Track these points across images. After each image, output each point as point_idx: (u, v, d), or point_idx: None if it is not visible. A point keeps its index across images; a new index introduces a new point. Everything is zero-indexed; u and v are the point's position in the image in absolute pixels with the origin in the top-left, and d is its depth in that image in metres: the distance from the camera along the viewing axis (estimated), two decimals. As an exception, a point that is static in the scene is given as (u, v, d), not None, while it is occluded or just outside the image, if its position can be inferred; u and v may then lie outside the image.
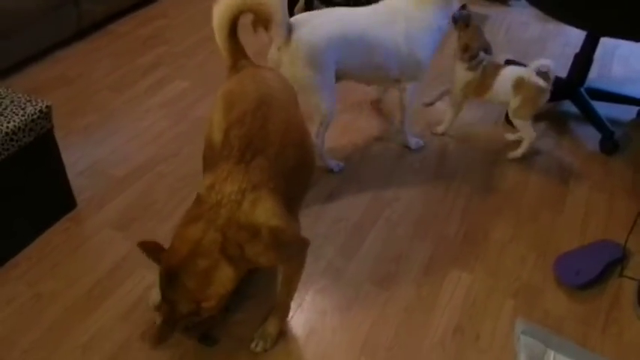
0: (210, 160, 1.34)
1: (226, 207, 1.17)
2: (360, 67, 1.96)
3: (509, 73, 2.10)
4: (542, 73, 2.05)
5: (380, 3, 1.99)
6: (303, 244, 1.39)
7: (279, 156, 1.26)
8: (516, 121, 2.16)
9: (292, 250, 1.36)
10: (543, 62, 2.04)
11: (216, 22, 1.54)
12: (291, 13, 2.87)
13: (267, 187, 1.21)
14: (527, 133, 2.16)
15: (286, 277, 1.46)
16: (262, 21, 1.63)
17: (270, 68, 1.55)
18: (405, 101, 2.12)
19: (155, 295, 1.48)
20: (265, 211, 1.20)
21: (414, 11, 1.94)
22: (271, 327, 1.51)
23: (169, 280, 1.20)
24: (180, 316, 1.21)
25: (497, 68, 2.12)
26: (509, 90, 2.09)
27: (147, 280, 1.67)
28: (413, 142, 2.25)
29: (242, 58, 1.57)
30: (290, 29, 1.79)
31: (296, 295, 1.65)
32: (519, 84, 2.07)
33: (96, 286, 1.65)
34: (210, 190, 1.20)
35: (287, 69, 1.83)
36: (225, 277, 1.20)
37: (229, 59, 1.57)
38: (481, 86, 2.14)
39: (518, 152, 2.21)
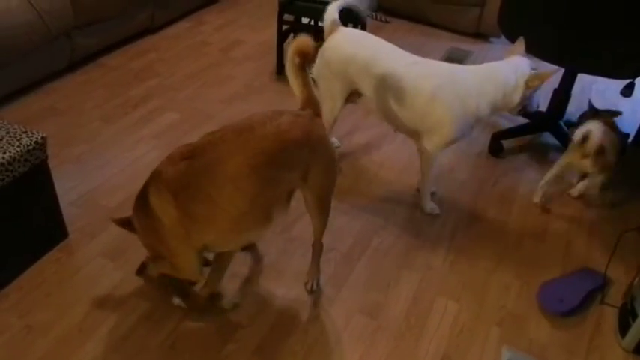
0: None
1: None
2: (375, 98, 2.01)
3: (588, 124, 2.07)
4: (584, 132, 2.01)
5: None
6: None
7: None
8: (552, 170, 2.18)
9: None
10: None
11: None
12: (280, 49, 2.97)
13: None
14: (594, 184, 2.18)
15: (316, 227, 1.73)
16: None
17: (295, 116, 1.50)
18: (422, 162, 2.05)
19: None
20: None
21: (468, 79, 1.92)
22: (314, 268, 1.80)
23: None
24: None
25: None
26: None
27: (140, 309, 1.68)
28: (428, 207, 2.15)
29: (309, 96, 1.58)
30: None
31: (287, 324, 1.67)
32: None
33: (87, 316, 1.66)
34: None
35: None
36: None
37: (299, 96, 1.61)
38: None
39: (575, 191, 2.26)
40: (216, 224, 1.43)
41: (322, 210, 1.67)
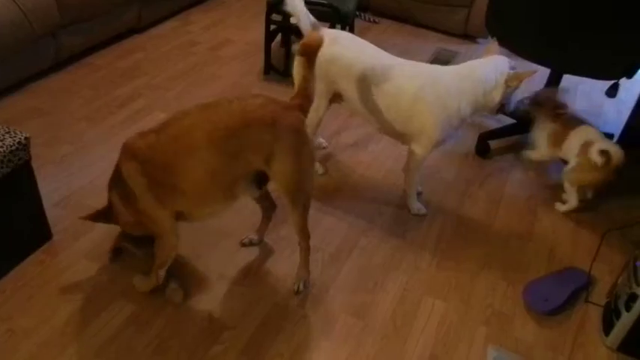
0: None
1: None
2: (358, 101, 2.00)
3: (584, 133, 2.14)
4: (604, 152, 2.03)
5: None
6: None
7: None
8: (565, 184, 2.20)
9: None
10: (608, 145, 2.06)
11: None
12: (268, 49, 2.96)
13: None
14: (571, 198, 2.20)
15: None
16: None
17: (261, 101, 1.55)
18: (410, 164, 2.06)
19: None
20: None
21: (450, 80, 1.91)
22: (302, 270, 1.80)
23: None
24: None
25: (576, 123, 2.19)
26: (577, 149, 2.12)
27: (125, 311, 1.67)
28: (415, 207, 2.16)
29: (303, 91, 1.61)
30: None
31: (274, 325, 1.67)
32: (585, 147, 2.09)
33: (71, 320, 1.64)
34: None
35: None
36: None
37: (295, 88, 1.67)
38: (559, 136, 2.19)
39: (564, 208, 2.22)
40: (181, 193, 1.53)
41: (293, 203, 1.63)
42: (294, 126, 1.54)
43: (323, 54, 1.98)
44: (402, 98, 1.90)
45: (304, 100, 1.59)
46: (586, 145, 2.09)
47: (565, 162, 2.23)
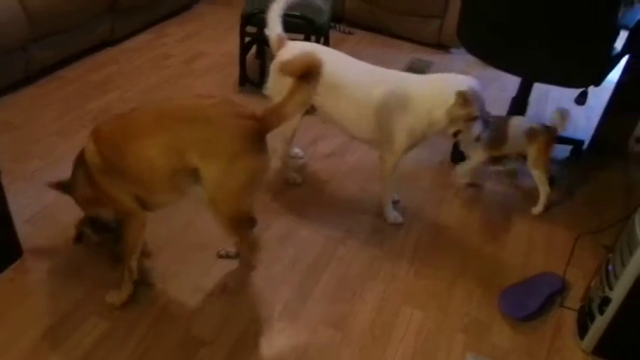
0: None
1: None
2: (330, 110, 2.01)
3: (519, 124, 2.22)
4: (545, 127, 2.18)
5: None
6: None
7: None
8: (534, 172, 2.25)
9: None
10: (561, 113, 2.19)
11: None
12: (243, 60, 2.95)
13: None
14: (544, 186, 2.25)
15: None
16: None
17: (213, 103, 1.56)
18: (384, 172, 2.07)
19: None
20: None
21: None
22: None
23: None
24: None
25: (506, 120, 2.24)
26: (524, 140, 2.21)
27: (99, 328, 1.63)
28: (391, 216, 2.16)
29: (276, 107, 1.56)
30: None
31: (253, 339, 1.65)
32: (533, 134, 2.19)
33: (43, 339, 1.59)
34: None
35: None
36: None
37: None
38: (497, 141, 2.21)
39: (539, 208, 2.27)
40: (130, 178, 1.57)
41: (215, 214, 1.59)
42: (235, 133, 1.49)
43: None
44: (372, 103, 1.91)
45: (273, 116, 1.53)
46: (531, 130, 2.19)
47: (497, 161, 2.34)
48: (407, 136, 1.93)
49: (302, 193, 2.29)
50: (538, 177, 2.26)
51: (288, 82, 2.03)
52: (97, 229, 1.81)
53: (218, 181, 1.52)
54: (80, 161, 1.68)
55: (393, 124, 1.92)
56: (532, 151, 2.22)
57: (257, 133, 1.52)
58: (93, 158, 1.59)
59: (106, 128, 1.59)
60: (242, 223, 1.65)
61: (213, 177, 1.51)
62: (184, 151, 1.50)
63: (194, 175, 1.54)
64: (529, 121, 2.26)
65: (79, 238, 1.87)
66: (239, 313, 1.73)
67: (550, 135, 2.21)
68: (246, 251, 1.77)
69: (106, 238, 1.81)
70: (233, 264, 1.91)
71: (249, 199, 1.62)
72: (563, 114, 2.22)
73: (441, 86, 1.84)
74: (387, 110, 1.91)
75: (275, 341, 1.66)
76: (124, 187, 1.59)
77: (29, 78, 2.81)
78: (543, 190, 2.26)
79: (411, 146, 1.99)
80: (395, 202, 2.21)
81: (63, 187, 1.79)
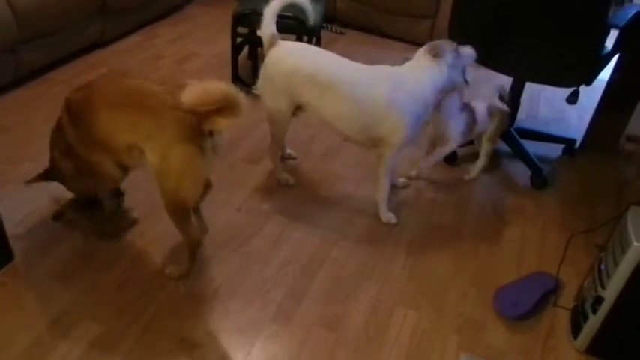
0: None
1: None
2: (323, 110, 2.01)
3: (481, 106, 2.34)
4: (501, 97, 2.39)
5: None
6: None
7: None
8: (487, 146, 2.41)
9: None
10: (498, 87, 2.39)
11: None
12: (235, 61, 2.94)
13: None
14: (487, 157, 2.44)
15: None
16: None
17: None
18: (379, 169, 2.09)
19: None
20: None
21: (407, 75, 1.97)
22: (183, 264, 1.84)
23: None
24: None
25: (471, 106, 2.32)
26: (488, 120, 2.34)
27: (91, 333, 1.62)
28: (385, 216, 2.16)
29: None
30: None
31: (246, 342, 1.64)
32: (493, 112, 2.34)
33: (35, 344, 1.58)
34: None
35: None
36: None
37: None
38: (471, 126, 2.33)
39: (474, 174, 2.46)
40: (101, 146, 1.65)
41: (164, 204, 1.67)
42: (173, 124, 1.55)
43: (283, 67, 1.99)
44: (377, 100, 1.92)
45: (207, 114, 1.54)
46: (491, 109, 2.34)
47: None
48: (412, 125, 1.96)
49: (295, 193, 2.29)
50: (487, 150, 2.42)
51: (277, 82, 2.03)
52: (78, 211, 1.94)
53: (157, 167, 1.60)
54: (55, 139, 1.78)
55: (400, 118, 1.93)
56: (491, 127, 2.37)
57: (195, 127, 1.55)
58: (67, 127, 1.68)
59: (74, 97, 1.68)
60: (182, 215, 1.70)
61: (153, 162, 1.60)
62: (133, 131, 1.59)
63: (137, 153, 1.65)
64: (484, 101, 2.37)
65: (57, 217, 1.96)
66: (232, 315, 1.73)
67: (504, 113, 2.37)
68: (187, 247, 1.78)
69: (93, 217, 1.94)
70: (228, 267, 1.90)
71: (186, 191, 1.65)
72: (502, 92, 2.41)
73: (423, 61, 1.99)
74: (398, 104, 1.92)
75: (267, 343, 1.65)
76: (101, 153, 1.68)
77: (18, 80, 2.79)
78: (484, 161, 2.44)
79: (410, 138, 2.01)
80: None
81: (42, 176, 1.88)
